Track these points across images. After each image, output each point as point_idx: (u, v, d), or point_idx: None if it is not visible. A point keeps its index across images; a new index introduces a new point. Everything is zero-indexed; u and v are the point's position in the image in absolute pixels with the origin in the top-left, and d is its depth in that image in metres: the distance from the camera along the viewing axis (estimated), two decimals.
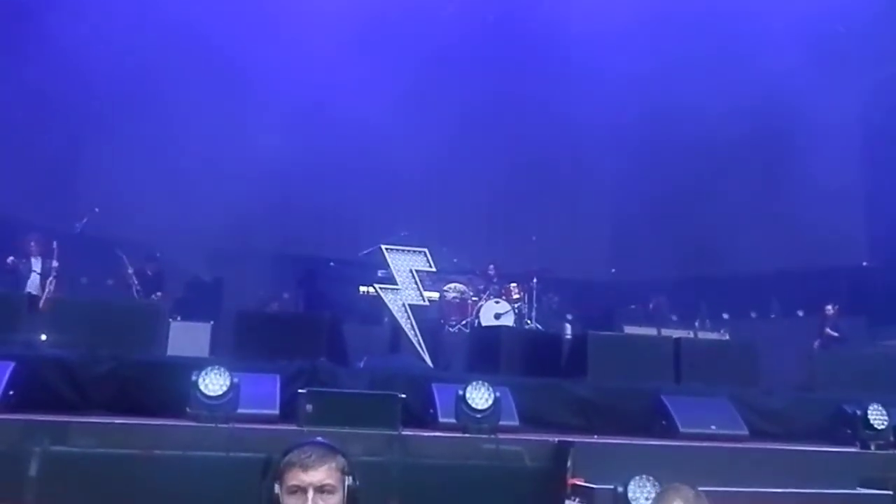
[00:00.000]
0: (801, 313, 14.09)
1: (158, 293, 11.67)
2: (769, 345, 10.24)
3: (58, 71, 12.41)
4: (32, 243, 10.70)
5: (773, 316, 14.40)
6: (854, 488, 6.09)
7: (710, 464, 6.00)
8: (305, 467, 2.71)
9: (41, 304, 8.98)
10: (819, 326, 12.60)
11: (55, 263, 10.44)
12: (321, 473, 2.71)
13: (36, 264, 10.62)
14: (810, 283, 13.70)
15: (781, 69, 12.83)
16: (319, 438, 2.89)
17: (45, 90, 12.60)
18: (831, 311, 12.58)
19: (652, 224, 15.09)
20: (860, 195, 14.40)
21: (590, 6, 13.52)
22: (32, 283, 10.45)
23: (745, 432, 7.06)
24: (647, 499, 4.92)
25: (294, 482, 2.71)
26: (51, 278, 10.35)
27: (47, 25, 12.10)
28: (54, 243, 10.53)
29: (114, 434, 5.48)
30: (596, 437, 6.85)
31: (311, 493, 2.69)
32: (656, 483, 4.93)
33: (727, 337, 12.29)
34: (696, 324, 13.20)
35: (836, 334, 12.43)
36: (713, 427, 6.97)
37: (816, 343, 12.41)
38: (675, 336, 9.43)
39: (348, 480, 2.77)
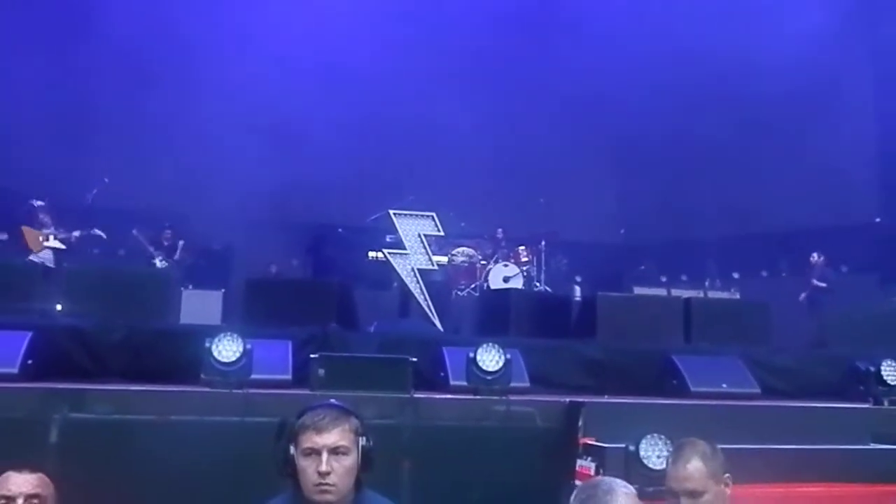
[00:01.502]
0: None
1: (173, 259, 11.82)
2: (780, 303, 10.24)
3: (70, 37, 12.40)
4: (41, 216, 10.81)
5: (783, 274, 14.37)
6: (867, 444, 6.11)
7: (721, 422, 6.01)
8: (319, 430, 2.75)
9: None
10: (805, 277, 12.58)
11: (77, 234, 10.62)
12: (335, 435, 2.75)
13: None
14: (821, 239, 13.62)
15: (793, 28, 12.66)
16: (333, 401, 2.92)
17: (56, 59, 12.58)
18: (817, 260, 12.53)
19: (661, 185, 15.03)
20: (872, 150, 14.27)
21: None
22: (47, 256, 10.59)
23: (757, 390, 7.05)
24: (658, 457, 4.96)
25: (308, 444, 2.75)
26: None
27: None
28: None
29: (130, 401, 5.55)
30: (607, 396, 6.89)
31: (325, 455, 2.73)
32: (668, 441, 4.96)
33: (738, 296, 12.30)
34: (706, 283, 13.22)
35: (823, 285, 12.41)
36: (724, 385, 6.97)
37: (803, 295, 12.40)
38: (684, 296, 9.43)
39: (362, 441, 2.81)
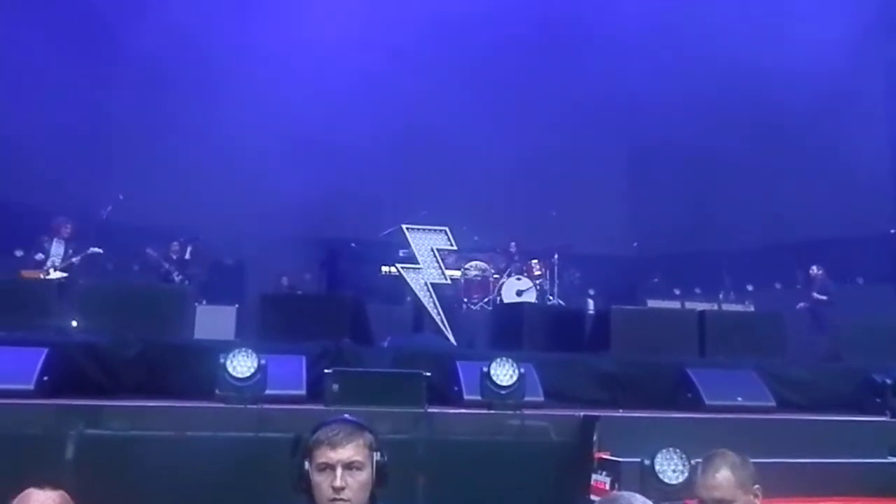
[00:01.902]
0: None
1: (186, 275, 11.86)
2: (795, 315, 10.17)
3: (89, 53, 12.53)
4: (62, 227, 10.86)
5: (798, 286, 14.28)
6: (885, 457, 6.05)
7: (736, 436, 5.96)
8: (334, 445, 2.74)
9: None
10: (805, 290, 12.53)
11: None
12: (349, 451, 2.75)
13: (59, 247, 10.79)
14: (836, 251, 13.54)
15: (811, 40, 12.63)
16: (347, 416, 2.92)
17: (74, 75, 12.71)
18: (816, 273, 12.48)
19: (673, 197, 15.00)
20: (887, 162, 14.21)
21: None
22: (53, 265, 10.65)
23: (772, 403, 7.02)
24: (674, 471, 4.94)
25: (323, 459, 2.75)
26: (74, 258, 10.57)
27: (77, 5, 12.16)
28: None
29: (146, 417, 5.58)
30: (621, 410, 6.87)
31: (339, 471, 2.73)
32: (683, 455, 4.95)
33: (752, 308, 12.23)
34: (720, 296, 13.15)
35: (823, 297, 12.33)
36: (739, 399, 6.94)
37: (801, 305, 12.34)
38: (699, 309, 9.39)
39: (376, 456, 2.81)
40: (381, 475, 2.82)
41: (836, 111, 13.09)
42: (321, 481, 2.75)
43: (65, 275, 10.57)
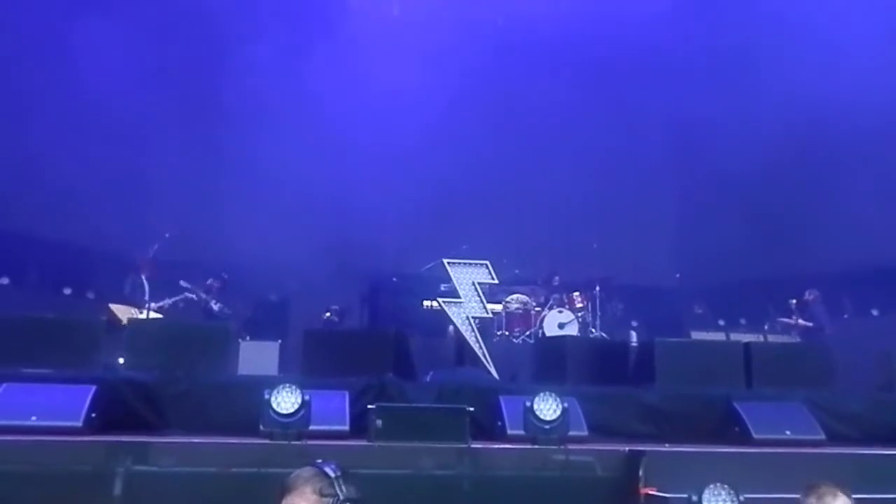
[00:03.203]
0: (875, 312, 13.67)
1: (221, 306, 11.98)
2: (843, 346, 9.95)
3: (128, 94, 12.85)
4: (145, 266, 11.05)
5: (845, 316, 14.00)
6: None
7: (786, 470, 5.84)
8: (283, 491, 2.90)
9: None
10: (796, 316, 12.31)
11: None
12: (294, 497, 2.88)
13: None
14: (885, 281, 13.24)
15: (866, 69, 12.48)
16: (319, 461, 3.02)
17: (113, 118, 13.04)
18: (808, 299, 12.27)
19: (716, 227, 14.83)
20: None
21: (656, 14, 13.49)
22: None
23: (822, 436, 6.87)
24: None
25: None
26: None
27: (114, 48, 12.49)
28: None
29: (192, 453, 5.64)
30: (667, 445, 6.77)
31: None
32: (731, 491, 4.86)
33: (798, 339, 12.03)
34: (766, 326, 12.95)
35: (809, 324, 12.09)
36: (788, 432, 6.82)
37: (787, 321, 12.16)
38: (744, 340, 9.26)
39: (327, 502, 2.87)
40: None
41: (880, 137, 12.90)
42: None
43: (160, 316, 10.75)
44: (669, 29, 14.42)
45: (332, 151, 13.54)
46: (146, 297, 10.80)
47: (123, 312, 10.58)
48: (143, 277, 10.93)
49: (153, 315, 10.71)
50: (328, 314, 13.25)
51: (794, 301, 12.38)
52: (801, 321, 12.25)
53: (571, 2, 14.49)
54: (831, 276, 14.10)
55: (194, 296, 11.29)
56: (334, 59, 13.61)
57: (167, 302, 10.91)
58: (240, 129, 13.76)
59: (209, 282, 12.27)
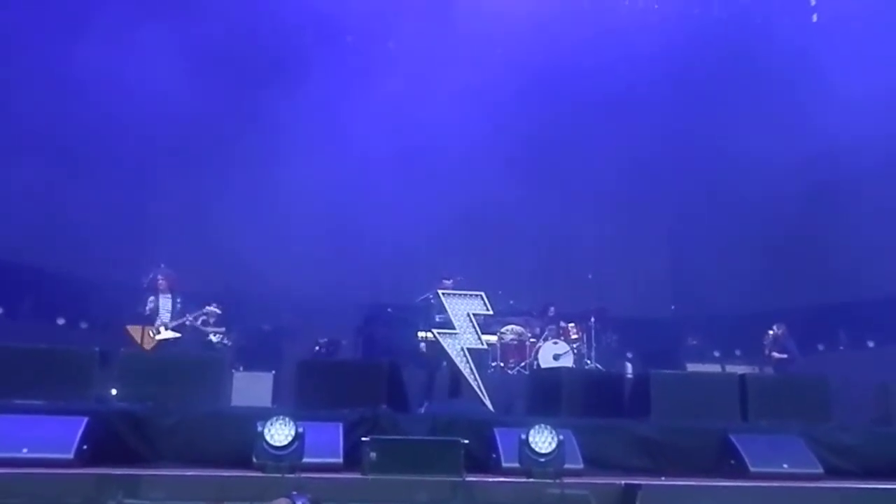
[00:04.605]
0: (871, 344, 13.64)
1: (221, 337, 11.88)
2: (839, 378, 9.92)
3: (127, 125, 12.89)
4: (160, 279, 10.94)
5: (841, 347, 13.97)
6: None
7: None
8: None
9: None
10: (765, 350, 12.38)
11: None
12: None
13: (166, 301, 10.89)
14: (881, 312, 13.23)
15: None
16: (295, 493, 3.00)
17: (111, 147, 13.07)
18: (776, 333, 12.36)
19: (712, 259, 14.84)
20: None
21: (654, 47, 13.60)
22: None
23: (820, 470, 6.85)
24: None
25: None
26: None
27: (112, 77, 12.53)
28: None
29: (183, 486, 5.58)
30: (663, 478, 6.73)
31: None
32: None
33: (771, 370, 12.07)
34: (762, 358, 12.93)
35: (784, 356, 12.14)
36: (785, 466, 6.79)
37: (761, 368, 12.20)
38: (739, 372, 9.23)
39: None
40: None
41: (877, 169, 12.98)
42: None
43: (177, 335, 10.66)
44: (676, 60, 14.52)
45: (327, 184, 13.54)
46: (169, 316, 10.70)
47: (140, 334, 10.47)
48: (162, 295, 10.81)
49: (171, 334, 10.60)
50: (318, 347, 13.19)
51: (774, 329, 12.46)
52: (774, 353, 12.32)
53: (569, 37, 14.57)
54: (826, 307, 14.12)
55: (204, 317, 11.12)
56: (324, 96, 13.66)
57: (188, 318, 10.78)
58: (235, 161, 13.80)
59: (206, 310, 12.20)
